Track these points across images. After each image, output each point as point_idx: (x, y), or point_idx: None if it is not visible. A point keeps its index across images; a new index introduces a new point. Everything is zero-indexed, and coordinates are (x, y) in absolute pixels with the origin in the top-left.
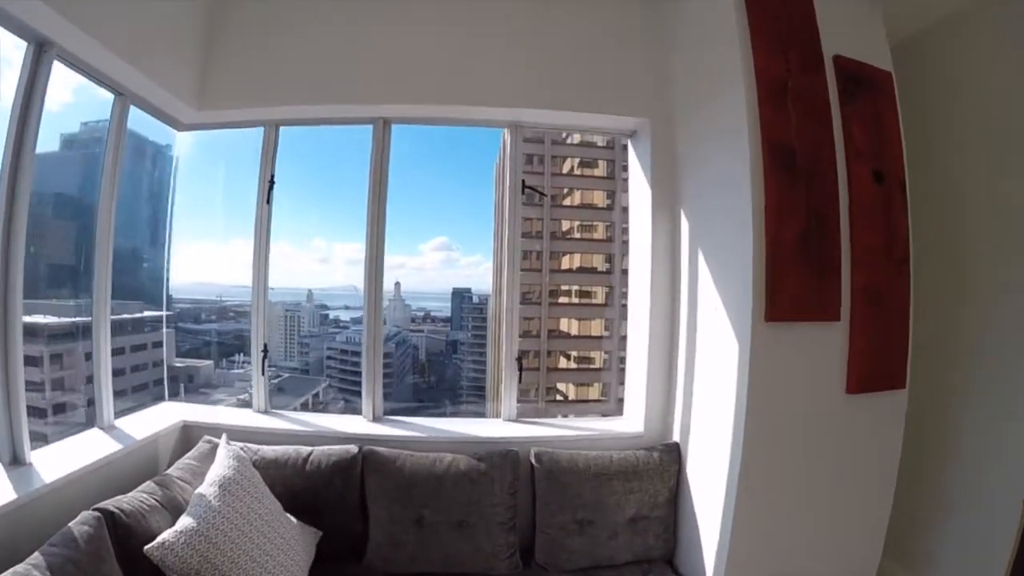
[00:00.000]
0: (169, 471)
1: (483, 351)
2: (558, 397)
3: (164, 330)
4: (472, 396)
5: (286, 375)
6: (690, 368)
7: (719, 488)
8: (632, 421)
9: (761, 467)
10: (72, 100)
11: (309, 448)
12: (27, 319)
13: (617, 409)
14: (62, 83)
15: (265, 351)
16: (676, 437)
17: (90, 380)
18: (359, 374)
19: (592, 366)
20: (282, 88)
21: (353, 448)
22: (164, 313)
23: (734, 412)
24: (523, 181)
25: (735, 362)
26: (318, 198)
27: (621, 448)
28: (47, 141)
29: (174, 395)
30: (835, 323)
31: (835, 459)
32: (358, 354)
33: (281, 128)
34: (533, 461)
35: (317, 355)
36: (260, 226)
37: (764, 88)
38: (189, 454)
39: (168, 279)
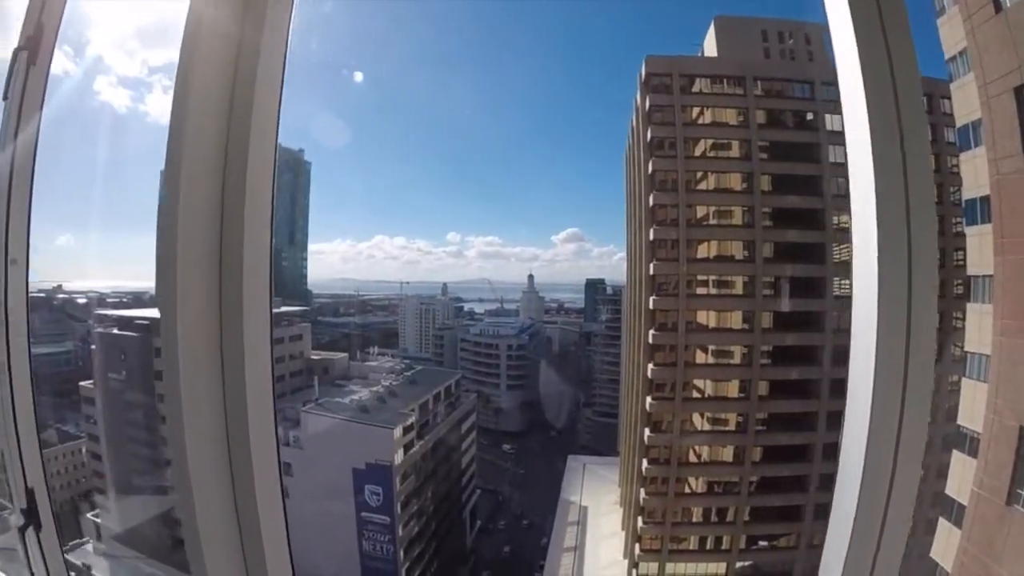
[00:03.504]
0: None
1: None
2: (695, 394)
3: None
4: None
5: (420, 367)
6: None
7: None
8: None
9: None
10: None
11: None
12: None
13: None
14: None
15: (30, 518)
16: None
17: None
18: (495, 366)
19: (731, 361)
20: None
21: None
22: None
23: None
24: None
25: None
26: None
27: None
28: None
29: (308, 387)
30: None
31: None
32: (492, 346)
33: None
34: None
35: (452, 347)
36: None
37: None
38: None
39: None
